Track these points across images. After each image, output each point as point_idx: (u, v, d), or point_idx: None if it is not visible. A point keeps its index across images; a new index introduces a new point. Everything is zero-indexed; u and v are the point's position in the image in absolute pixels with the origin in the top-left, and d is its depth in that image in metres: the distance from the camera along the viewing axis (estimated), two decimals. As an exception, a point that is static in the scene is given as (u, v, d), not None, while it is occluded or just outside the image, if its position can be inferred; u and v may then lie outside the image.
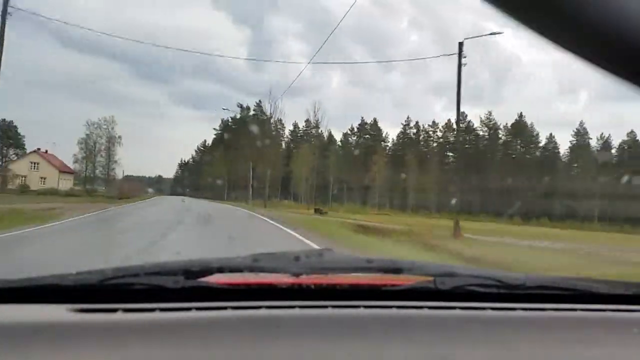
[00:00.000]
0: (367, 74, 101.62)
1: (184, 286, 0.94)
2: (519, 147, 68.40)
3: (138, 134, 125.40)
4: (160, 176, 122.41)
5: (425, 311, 0.95)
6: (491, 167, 61.52)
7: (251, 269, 1.03)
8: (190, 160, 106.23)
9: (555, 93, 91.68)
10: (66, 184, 62.24)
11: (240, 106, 71.85)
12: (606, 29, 0.35)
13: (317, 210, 35.81)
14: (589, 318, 1.00)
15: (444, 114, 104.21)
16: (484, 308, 0.98)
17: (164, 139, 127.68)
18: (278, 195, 62.03)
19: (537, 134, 67.83)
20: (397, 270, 1.07)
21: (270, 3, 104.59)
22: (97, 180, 68.63)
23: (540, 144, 68.29)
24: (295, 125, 78.80)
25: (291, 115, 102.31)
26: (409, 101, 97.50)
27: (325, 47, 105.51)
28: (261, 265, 1.02)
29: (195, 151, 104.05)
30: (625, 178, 46.29)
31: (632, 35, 0.35)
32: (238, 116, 73.39)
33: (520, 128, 67.39)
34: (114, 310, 0.87)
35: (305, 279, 1.03)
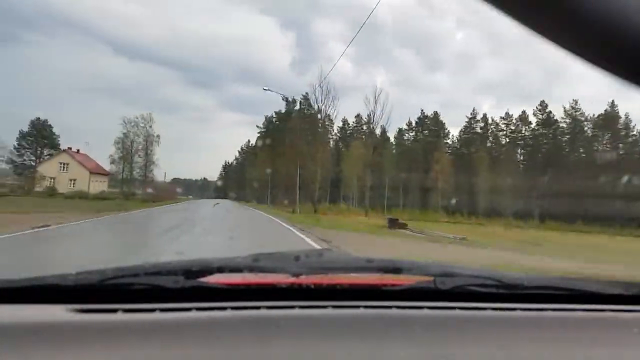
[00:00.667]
0: (412, 74, 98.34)
1: (184, 286, 0.95)
2: (607, 141, 55.90)
3: (186, 138, 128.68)
4: (205, 179, 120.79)
5: (425, 311, 0.95)
6: (577, 165, 51.28)
7: (251, 269, 1.03)
8: (234, 162, 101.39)
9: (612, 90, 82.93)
10: (99, 186, 57.26)
11: (286, 99, 60.69)
12: (606, 29, 0.35)
13: (393, 223, 22.51)
14: (589, 318, 0.98)
15: (493, 112, 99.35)
16: (483, 308, 0.98)
17: (211, 142, 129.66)
18: (327, 197, 55.26)
19: (634, 126, 55.74)
20: (397, 270, 1.06)
21: (316, 6, 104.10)
22: (135, 182, 61.17)
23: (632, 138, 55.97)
24: (345, 122, 69.31)
25: (338, 116, 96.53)
26: (455, 101, 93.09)
27: (370, 49, 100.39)
28: (261, 265, 1.03)
29: (239, 152, 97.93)
30: None
31: (632, 35, 0.35)
32: (283, 111, 62.47)
33: (610, 120, 55.50)
34: (114, 311, 0.88)
35: (305, 279, 1.03)
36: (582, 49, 0.38)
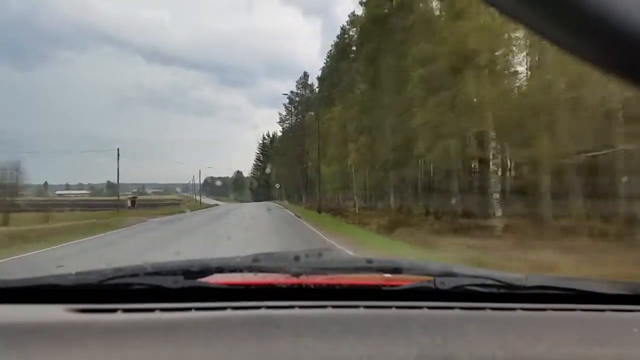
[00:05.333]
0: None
1: (184, 286, 0.95)
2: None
3: (222, 139, 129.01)
4: (239, 172, 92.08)
5: (425, 311, 0.95)
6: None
7: (251, 269, 1.04)
8: (279, 132, 63.08)
9: None
10: None
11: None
12: (606, 29, 0.35)
13: None
14: (589, 318, 0.99)
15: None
16: (483, 308, 0.98)
17: (248, 140, 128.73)
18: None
19: None
20: (396, 270, 1.07)
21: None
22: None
23: None
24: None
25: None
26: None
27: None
28: (261, 265, 1.03)
29: (281, 116, 57.72)
30: None
31: (632, 35, 0.35)
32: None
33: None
34: (114, 311, 0.88)
35: (305, 279, 1.03)
36: (583, 49, 0.38)
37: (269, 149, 68.65)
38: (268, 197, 58.61)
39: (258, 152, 73.51)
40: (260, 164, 72.66)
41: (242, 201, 70.87)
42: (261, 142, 72.29)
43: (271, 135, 69.94)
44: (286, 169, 51.93)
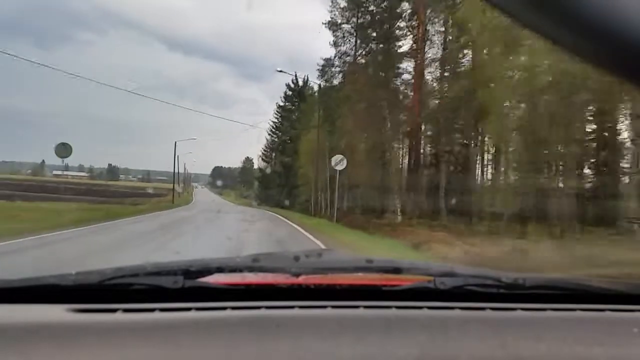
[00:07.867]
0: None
1: (184, 286, 0.95)
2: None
3: (238, 131, 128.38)
4: (248, 159, 71.10)
5: (425, 311, 0.95)
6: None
7: (251, 269, 1.04)
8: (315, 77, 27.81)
9: None
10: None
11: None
12: (606, 29, 0.35)
13: None
14: (589, 318, 0.99)
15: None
16: (483, 308, 0.98)
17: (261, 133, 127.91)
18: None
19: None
20: (397, 270, 1.07)
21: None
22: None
23: None
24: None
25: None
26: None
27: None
28: (261, 265, 1.04)
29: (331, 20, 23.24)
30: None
31: (632, 35, 0.35)
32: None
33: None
34: (114, 311, 0.88)
35: (305, 279, 1.03)
36: (582, 49, 0.38)
37: (293, 109, 37.23)
38: (288, 197, 30.46)
39: (276, 118, 39.93)
40: (276, 140, 40.12)
41: (246, 197, 54.22)
42: (282, 101, 39.01)
43: (302, 82, 37.52)
44: (346, 140, 22.50)
